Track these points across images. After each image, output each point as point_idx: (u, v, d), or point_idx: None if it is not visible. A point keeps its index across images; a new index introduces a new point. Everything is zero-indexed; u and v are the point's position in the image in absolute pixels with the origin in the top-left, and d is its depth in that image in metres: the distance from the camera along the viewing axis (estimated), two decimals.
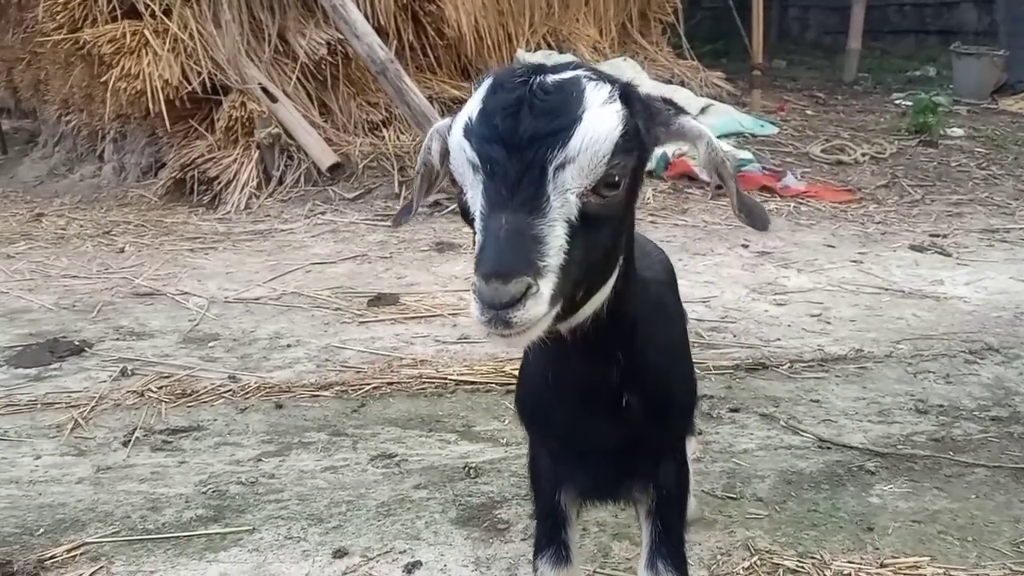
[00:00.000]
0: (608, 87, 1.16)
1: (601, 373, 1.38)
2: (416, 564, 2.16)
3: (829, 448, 2.82)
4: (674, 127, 1.26)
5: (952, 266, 4.85)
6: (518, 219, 1.06)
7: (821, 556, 2.18)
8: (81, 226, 5.88)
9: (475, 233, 1.12)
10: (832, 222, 5.75)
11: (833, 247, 5.22)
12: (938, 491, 2.54)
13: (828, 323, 4.01)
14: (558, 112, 1.10)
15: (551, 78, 1.15)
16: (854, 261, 4.94)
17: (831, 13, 15.30)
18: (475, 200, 1.13)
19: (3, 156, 8.53)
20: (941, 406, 3.13)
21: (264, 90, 6.12)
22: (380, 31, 6.50)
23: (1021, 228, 5.58)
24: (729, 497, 2.51)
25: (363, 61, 6.03)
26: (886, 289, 4.46)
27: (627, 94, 1.18)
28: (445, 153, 1.21)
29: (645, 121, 1.19)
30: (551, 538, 1.63)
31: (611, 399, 1.43)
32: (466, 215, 1.16)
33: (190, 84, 6.05)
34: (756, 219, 1.33)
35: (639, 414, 1.45)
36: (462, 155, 1.15)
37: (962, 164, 7.19)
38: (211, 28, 6.10)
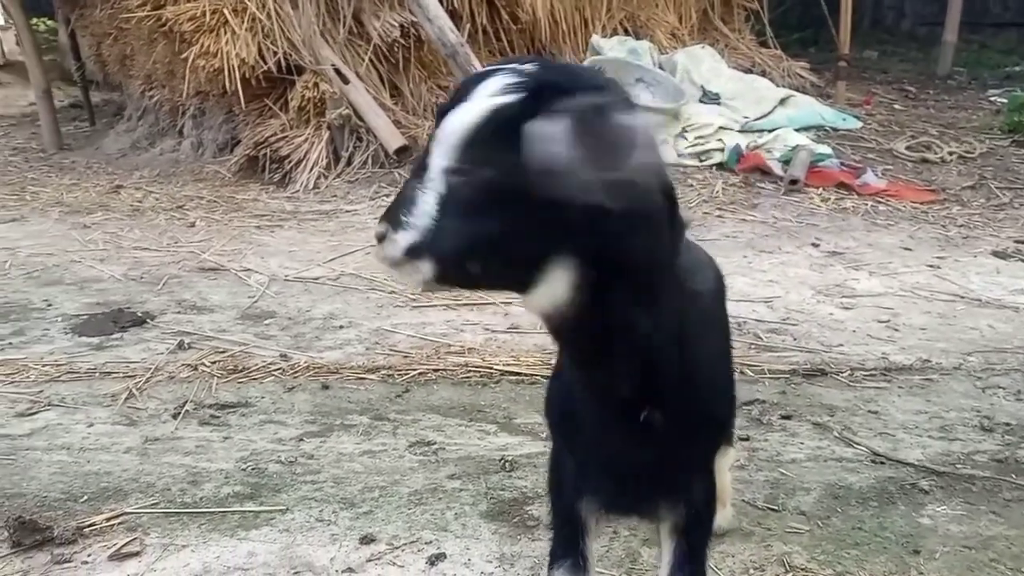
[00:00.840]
0: (513, 80, 1.15)
1: (612, 383, 1.32)
2: (440, 556, 2.15)
3: (883, 463, 2.70)
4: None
5: None
6: (410, 182, 1.22)
7: None
8: (156, 199, 6.06)
9: None
10: (911, 223, 5.51)
11: (910, 250, 5.00)
12: (995, 516, 2.39)
13: (896, 330, 3.84)
14: (454, 99, 1.20)
15: (487, 69, 1.23)
16: (931, 266, 4.72)
17: (928, 3, 14.64)
18: None
19: (91, 127, 8.85)
20: (1008, 425, 2.96)
21: (337, 71, 6.18)
22: (454, 15, 6.48)
23: None
24: (770, 509, 2.42)
25: (434, 44, 6.03)
26: (962, 297, 4.25)
27: (542, 93, 1.13)
28: None
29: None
30: (568, 548, 1.57)
31: (632, 414, 1.36)
32: None
33: (266, 63, 6.15)
34: None
35: (667, 431, 1.37)
36: None
37: None
38: (288, 8, 6.18)
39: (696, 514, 1.52)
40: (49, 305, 4.01)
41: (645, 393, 1.32)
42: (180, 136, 7.37)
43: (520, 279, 1.22)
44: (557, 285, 1.20)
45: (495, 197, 1.16)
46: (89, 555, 2.15)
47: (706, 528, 1.56)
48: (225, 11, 6.07)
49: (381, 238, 1.21)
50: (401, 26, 6.37)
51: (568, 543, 1.58)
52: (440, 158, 1.17)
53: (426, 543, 2.22)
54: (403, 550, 2.19)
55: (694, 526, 1.53)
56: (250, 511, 2.38)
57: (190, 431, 2.89)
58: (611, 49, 7.34)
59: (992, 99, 9.42)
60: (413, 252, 1.18)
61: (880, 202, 5.89)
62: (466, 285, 1.29)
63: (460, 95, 1.19)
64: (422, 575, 2.10)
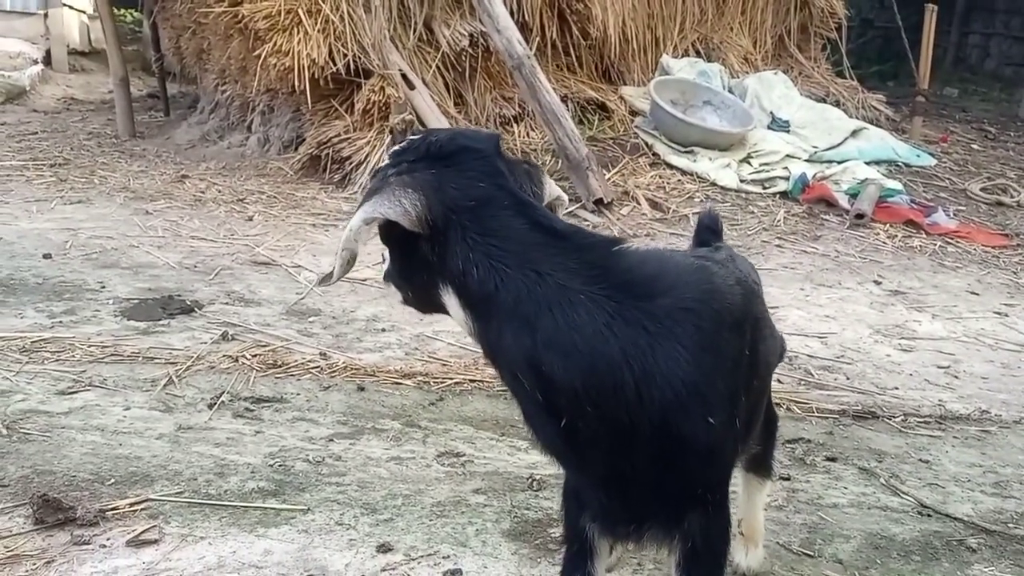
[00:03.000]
0: (396, 147, 1.49)
1: (525, 392, 1.40)
2: (456, 572, 2.10)
3: (930, 516, 2.56)
4: None
5: None
6: None
7: None
8: (219, 191, 6.16)
9: None
10: (980, 267, 5.29)
11: (977, 295, 4.80)
12: None
13: (955, 377, 3.67)
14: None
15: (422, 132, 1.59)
16: (998, 313, 4.52)
17: (1016, 43, 14.22)
18: None
19: (165, 118, 9.08)
20: None
21: (404, 76, 6.22)
22: (524, 27, 6.48)
23: None
24: (805, 554, 2.31)
25: (501, 55, 6.02)
26: None
27: (399, 156, 1.47)
28: None
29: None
30: (575, 567, 1.53)
31: (555, 420, 1.38)
32: None
33: (335, 65, 6.21)
34: None
35: (605, 446, 1.37)
36: None
37: None
38: (361, 12, 6.24)
39: (692, 550, 1.45)
40: (103, 287, 4.09)
41: (556, 402, 1.35)
42: (248, 131, 7.49)
43: (437, 306, 1.47)
44: (455, 310, 1.43)
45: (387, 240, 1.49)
46: (108, 539, 2.15)
47: (711, 568, 1.48)
48: (300, 11, 6.15)
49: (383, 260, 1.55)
50: (470, 35, 6.39)
51: (576, 562, 1.57)
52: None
53: (443, 557, 2.17)
54: (419, 562, 2.14)
55: (692, 563, 1.46)
56: (271, 508, 2.36)
57: (223, 422, 2.89)
58: (680, 70, 7.24)
59: None
60: (386, 279, 1.57)
61: (949, 243, 5.68)
62: (420, 308, 1.59)
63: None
64: None
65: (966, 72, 14.43)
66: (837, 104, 8.18)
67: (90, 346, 3.39)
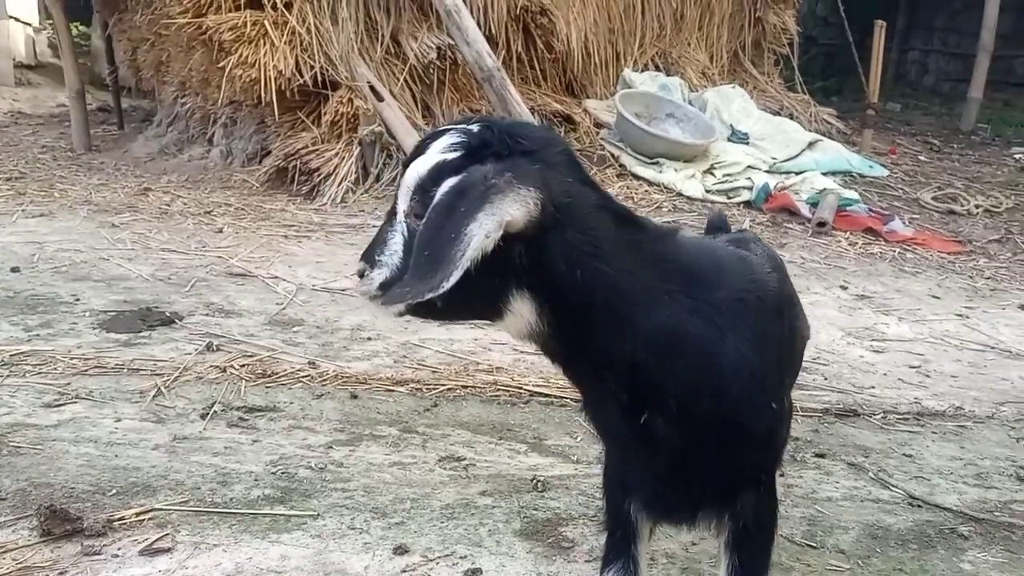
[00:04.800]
0: (457, 140, 1.31)
1: (606, 390, 1.39)
2: (476, 571, 2.11)
3: (920, 506, 2.65)
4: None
5: None
6: (384, 225, 1.39)
7: None
8: (184, 203, 6.07)
9: None
10: (938, 272, 5.49)
11: (938, 298, 4.97)
12: None
13: (927, 376, 3.80)
14: (414, 152, 1.37)
15: (444, 128, 1.38)
16: (959, 315, 4.69)
17: (953, 60, 14.78)
18: None
19: (119, 131, 8.92)
20: None
21: (372, 88, 6.22)
22: (490, 40, 6.54)
23: None
24: (808, 545, 2.37)
25: (470, 67, 6.07)
26: (992, 347, 4.22)
27: (479, 152, 1.30)
28: None
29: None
30: (619, 552, 1.56)
31: (634, 417, 1.39)
32: None
33: (302, 77, 6.19)
34: None
35: (683, 438, 1.40)
36: None
37: None
38: (328, 24, 6.24)
39: (744, 529, 1.50)
40: (77, 300, 4.00)
41: (642, 399, 1.36)
42: (210, 144, 7.41)
43: (485, 313, 1.36)
44: (522, 315, 1.32)
45: None
46: (119, 549, 2.12)
47: (761, 547, 1.53)
48: (266, 23, 6.13)
49: (360, 274, 1.38)
50: (438, 48, 6.42)
51: (619, 547, 1.58)
52: (402, 203, 1.34)
53: (460, 557, 2.18)
54: (437, 563, 2.15)
55: (743, 543, 1.51)
56: (281, 515, 2.35)
57: (218, 432, 2.85)
58: (643, 83, 7.38)
59: (1016, 156, 9.46)
60: (385, 287, 1.34)
61: (907, 250, 5.88)
62: (437, 318, 1.46)
63: (419, 150, 1.35)
64: None
65: (906, 88, 14.95)
66: (791, 117, 8.42)
67: (72, 359, 3.31)
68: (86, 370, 3.24)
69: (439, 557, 2.17)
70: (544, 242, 1.26)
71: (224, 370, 3.32)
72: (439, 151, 1.30)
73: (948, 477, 2.87)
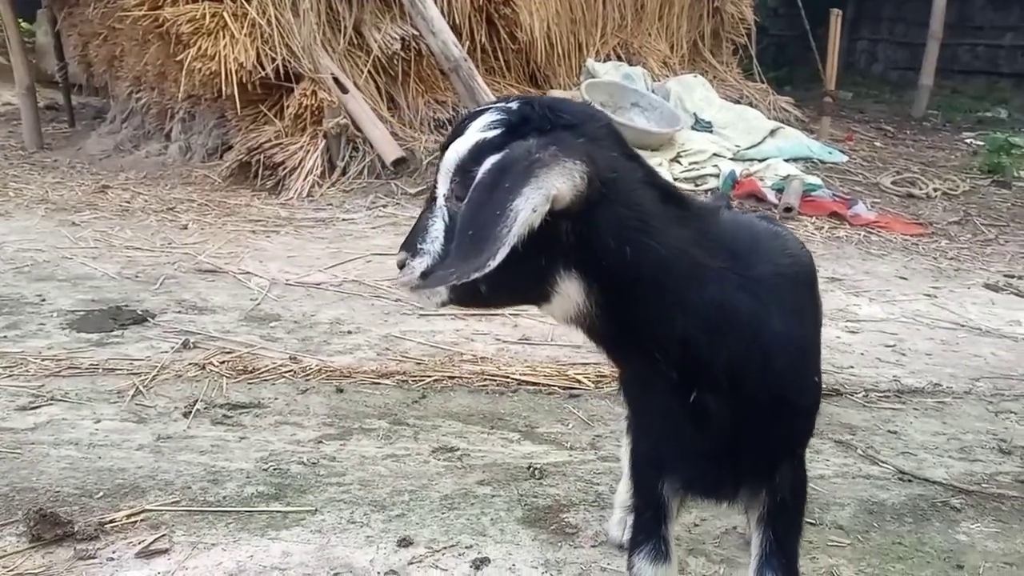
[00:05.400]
0: (496, 117, 1.28)
1: (655, 370, 1.36)
2: (484, 560, 2.08)
3: (910, 481, 2.69)
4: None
5: None
6: (423, 212, 1.35)
7: None
8: (145, 200, 5.92)
9: None
10: (903, 254, 5.59)
11: (905, 279, 5.06)
12: None
13: (903, 355, 3.86)
14: (452, 134, 1.33)
15: (482, 107, 1.35)
16: (927, 295, 4.78)
17: (900, 48, 15.08)
18: None
19: (71, 129, 8.66)
20: None
21: (336, 80, 6.13)
22: (454, 30, 6.48)
23: None
24: (808, 522, 2.38)
25: (437, 58, 6.02)
26: (962, 325, 4.30)
27: (520, 129, 1.26)
28: None
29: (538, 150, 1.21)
30: (650, 532, 1.55)
31: (683, 395, 1.38)
32: None
33: (264, 69, 6.07)
34: None
35: (732, 413, 1.38)
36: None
37: None
38: (289, 16, 6.12)
39: (781, 502, 1.50)
40: (43, 300, 3.88)
41: (693, 377, 1.35)
42: (167, 140, 7.23)
43: (531, 295, 1.32)
44: (570, 296, 1.28)
45: None
46: (114, 552, 2.05)
47: (794, 519, 1.54)
48: (225, 15, 6.00)
49: (401, 266, 1.34)
50: (402, 39, 6.35)
51: (649, 527, 1.57)
52: (442, 187, 1.31)
53: (466, 547, 2.15)
54: (443, 554, 2.12)
55: (779, 515, 1.50)
56: (277, 511, 2.29)
57: (203, 430, 2.78)
58: (606, 73, 7.39)
59: (967, 141, 9.68)
60: (427, 276, 1.30)
61: (872, 232, 5.98)
62: (481, 304, 1.44)
63: (457, 131, 1.32)
64: None
65: (856, 76, 15.20)
66: (751, 105, 8.50)
67: (44, 360, 3.21)
68: (59, 371, 3.14)
69: (444, 548, 2.14)
70: (592, 218, 1.22)
71: (203, 367, 3.24)
72: (479, 130, 1.26)
73: (933, 452, 2.92)
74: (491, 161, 1.21)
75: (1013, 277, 5.23)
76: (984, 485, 2.68)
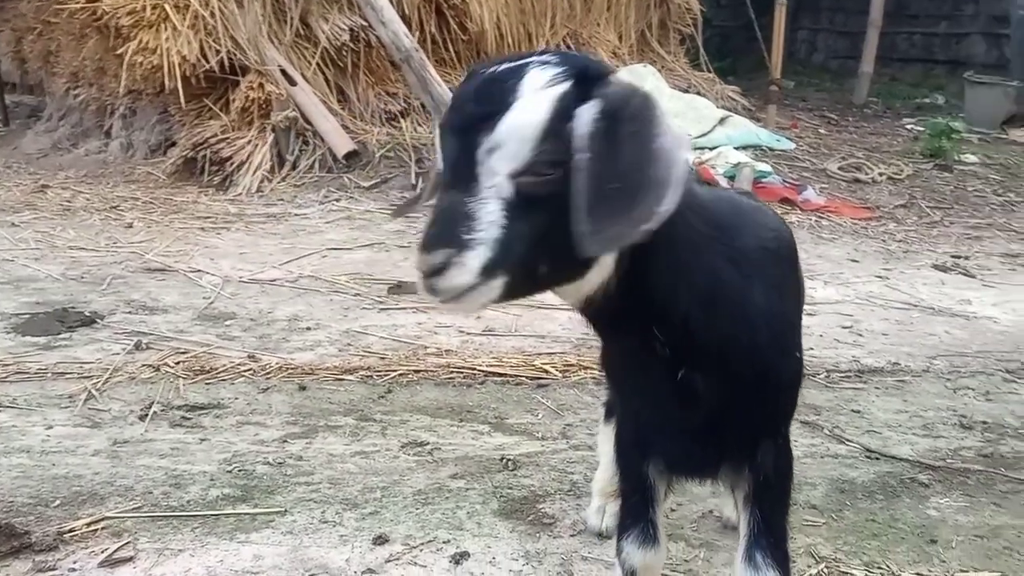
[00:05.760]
0: (554, 72, 1.15)
1: (648, 347, 1.31)
2: (464, 555, 2.04)
3: (878, 459, 2.72)
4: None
5: (978, 287, 4.78)
6: (454, 198, 1.14)
7: (888, 567, 2.08)
8: (87, 199, 5.73)
9: None
10: (853, 238, 5.68)
11: (857, 262, 5.14)
12: (996, 507, 2.44)
13: (860, 335, 3.92)
14: (494, 100, 1.14)
15: (504, 67, 1.18)
16: (879, 277, 4.86)
17: (840, 38, 15.36)
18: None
19: (4, 128, 8.35)
20: (985, 423, 3.04)
21: (283, 73, 6.00)
22: (403, 21, 6.38)
23: None
24: None
25: (387, 48, 5.92)
26: (915, 305, 4.38)
27: (586, 79, 1.15)
28: None
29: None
30: (637, 516, 1.52)
31: (670, 373, 1.35)
32: None
33: (208, 62, 5.92)
34: None
35: (716, 391, 1.36)
36: (438, 144, 1.22)
37: (978, 189, 7.15)
38: (233, 7, 5.98)
39: (765, 480, 1.49)
40: None
41: (685, 353, 1.32)
42: (107, 137, 7.01)
43: (578, 268, 1.20)
44: (604, 267, 1.21)
45: (563, 188, 1.12)
46: (75, 562, 1.95)
47: (780, 497, 1.52)
48: (167, 6, 5.82)
49: (440, 268, 1.11)
50: (351, 30, 6.24)
51: (637, 512, 1.55)
52: (503, 163, 1.13)
53: (444, 542, 2.11)
54: (421, 550, 2.07)
55: (764, 494, 1.49)
56: (245, 513, 2.22)
57: (161, 433, 2.69)
58: None
59: (908, 127, 9.90)
60: (488, 270, 1.12)
61: (822, 217, 6.06)
62: (530, 291, 1.26)
63: (487, 100, 1.15)
64: (447, 574, 1.98)
65: (797, 66, 15.44)
66: (699, 95, 8.57)
67: None
68: (5, 376, 3.01)
69: (422, 543, 2.10)
70: None
71: (158, 369, 3.14)
72: (541, 88, 1.13)
73: (897, 429, 2.96)
74: (593, 111, 1.12)
75: (960, 257, 5.35)
76: (949, 460, 2.72)
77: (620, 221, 1.08)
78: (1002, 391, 3.34)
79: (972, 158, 8.09)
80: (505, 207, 1.13)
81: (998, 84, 10.16)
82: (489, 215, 1.12)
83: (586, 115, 1.12)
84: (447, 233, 1.12)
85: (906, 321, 4.14)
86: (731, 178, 6.42)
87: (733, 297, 1.31)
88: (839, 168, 7.37)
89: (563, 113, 1.13)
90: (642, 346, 1.33)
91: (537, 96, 1.13)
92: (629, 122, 1.10)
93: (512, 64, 1.17)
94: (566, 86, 1.13)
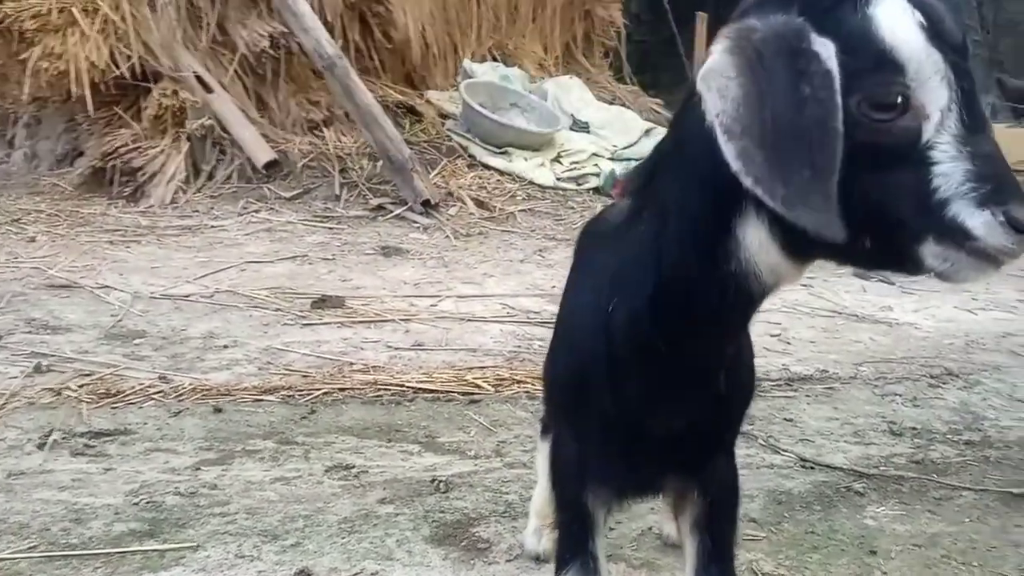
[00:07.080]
0: None
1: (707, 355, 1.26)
2: None
3: (812, 468, 2.70)
4: None
5: (898, 294, 4.88)
6: (982, 145, 0.95)
7: None
8: None
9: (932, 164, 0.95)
10: None
11: None
12: (931, 514, 2.43)
13: (788, 343, 3.93)
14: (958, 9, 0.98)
15: None
16: (804, 285, 4.91)
17: None
18: (933, 121, 0.95)
19: None
20: (914, 428, 3.06)
21: (199, 80, 5.77)
22: (325, 28, 6.23)
23: None
24: None
25: (310, 56, 5.75)
26: (839, 313, 4.44)
27: None
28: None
29: None
30: (576, 550, 1.41)
31: (694, 389, 1.29)
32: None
33: (118, 68, 5.65)
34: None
35: (716, 400, 1.31)
36: (928, 66, 0.94)
37: None
38: (145, 11, 5.73)
39: (715, 502, 1.41)
40: None
41: (721, 363, 1.27)
42: (10, 147, 6.65)
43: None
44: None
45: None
46: None
47: (731, 520, 1.45)
48: (74, 10, 5.55)
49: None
50: (271, 37, 6.05)
51: (576, 543, 1.43)
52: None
53: (372, 573, 1.98)
54: None
55: (716, 516, 1.41)
56: (153, 549, 2.04)
57: (62, 463, 2.48)
58: (484, 73, 7.31)
59: None
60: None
61: None
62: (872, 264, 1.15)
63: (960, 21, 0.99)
64: None
65: None
66: (624, 107, 8.62)
67: None
68: None
69: None
70: None
71: (59, 393, 2.92)
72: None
73: (830, 437, 2.95)
74: None
75: None
76: (882, 468, 2.72)
77: None
78: (928, 396, 3.37)
79: None
80: None
81: None
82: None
83: None
84: (1003, 186, 0.93)
85: (832, 329, 4.18)
86: None
87: None
88: None
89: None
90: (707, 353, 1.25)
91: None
92: None
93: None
94: None
